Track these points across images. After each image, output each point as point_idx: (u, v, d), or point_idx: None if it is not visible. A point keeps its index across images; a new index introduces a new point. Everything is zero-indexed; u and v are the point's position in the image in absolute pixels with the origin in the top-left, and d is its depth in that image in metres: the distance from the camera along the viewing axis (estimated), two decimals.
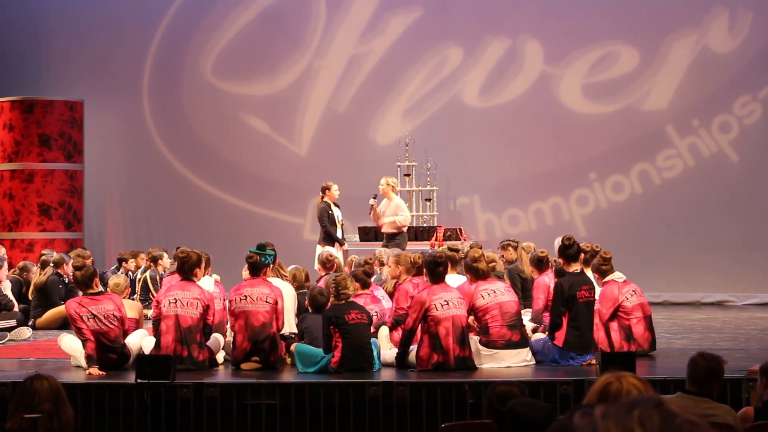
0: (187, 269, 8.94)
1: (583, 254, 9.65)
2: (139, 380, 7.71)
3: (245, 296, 8.81)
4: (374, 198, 14.59)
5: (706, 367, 5.42)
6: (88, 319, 8.65)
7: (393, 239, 14.14)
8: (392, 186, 14.51)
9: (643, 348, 9.39)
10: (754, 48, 16.18)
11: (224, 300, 9.83)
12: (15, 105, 17.01)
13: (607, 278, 9.64)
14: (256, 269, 9.05)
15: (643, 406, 2.03)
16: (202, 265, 9.22)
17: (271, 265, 9.52)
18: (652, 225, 16.31)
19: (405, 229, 14.45)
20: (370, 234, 15.11)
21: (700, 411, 5.25)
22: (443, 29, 17.05)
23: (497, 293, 8.90)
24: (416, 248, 13.04)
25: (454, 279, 9.73)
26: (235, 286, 9.09)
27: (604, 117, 16.60)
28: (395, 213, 14.31)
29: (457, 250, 10.42)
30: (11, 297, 12.38)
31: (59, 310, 12.04)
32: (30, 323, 12.19)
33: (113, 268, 14.97)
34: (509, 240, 12.52)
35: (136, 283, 13.64)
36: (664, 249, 16.15)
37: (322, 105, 17.50)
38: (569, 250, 9.21)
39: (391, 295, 10.03)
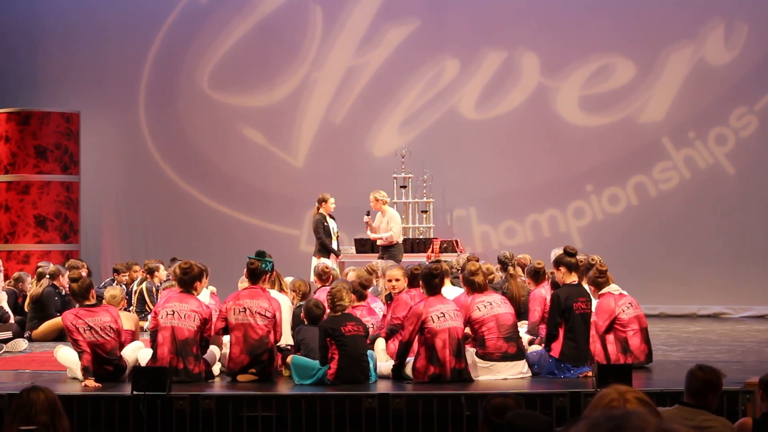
0: (188, 280, 8.92)
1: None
2: (135, 392, 7.69)
3: (244, 308, 8.78)
4: (368, 214, 14.61)
5: (703, 379, 5.41)
6: (84, 330, 8.64)
7: (388, 251, 14.17)
8: (381, 200, 14.49)
9: (639, 360, 9.39)
10: (750, 60, 16.20)
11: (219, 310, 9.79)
12: (11, 116, 17.00)
13: (603, 290, 9.64)
14: (256, 276, 9.02)
15: (599, 424, 2.07)
16: (204, 280, 9.21)
17: (270, 276, 9.51)
18: (649, 237, 16.31)
19: (400, 241, 14.48)
20: (366, 246, 15.11)
21: (697, 423, 5.25)
22: (440, 41, 17.06)
23: (494, 305, 8.91)
24: (412, 260, 13.02)
25: (451, 291, 9.72)
26: (234, 294, 9.05)
27: (601, 129, 16.61)
28: (387, 227, 14.36)
29: (438, 261, 10.35)
30: (7, 308, 12.35)
31: (55, 321, 12.03)
32: (26, 335, 12.16)
33: (108, 280, 14.95)
34: (506, 258, 12.05)
35: (132, 295, 13.63)
36: (661, 261, 16.15)
37: (319, 117, 17.50)
38: (570, 258, 9.19)
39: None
